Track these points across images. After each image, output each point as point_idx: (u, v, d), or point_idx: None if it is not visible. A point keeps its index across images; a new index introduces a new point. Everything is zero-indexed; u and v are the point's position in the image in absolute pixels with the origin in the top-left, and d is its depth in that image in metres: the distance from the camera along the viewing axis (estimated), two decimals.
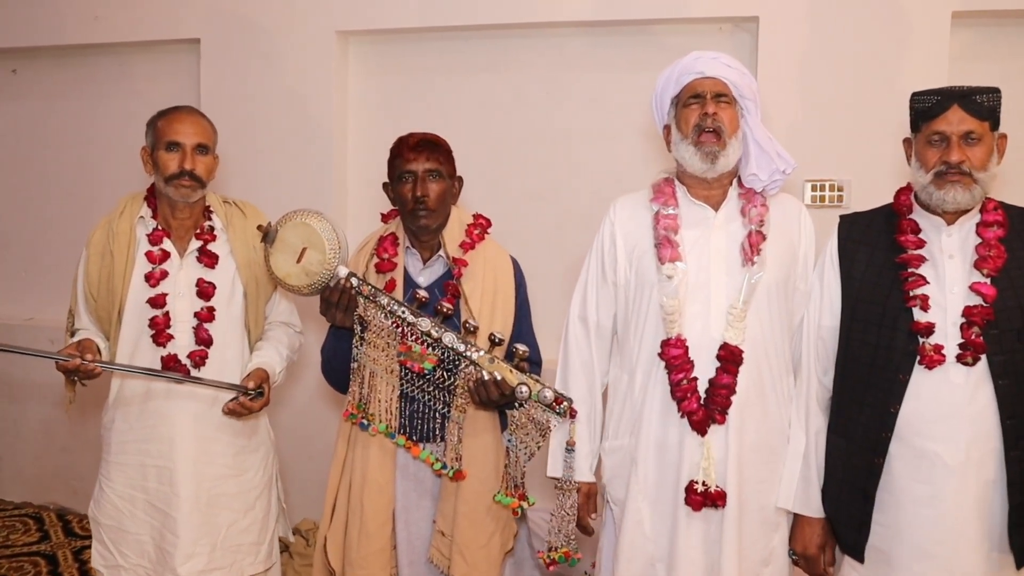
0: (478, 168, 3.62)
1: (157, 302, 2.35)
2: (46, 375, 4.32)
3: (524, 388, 2.11)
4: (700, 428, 2.13)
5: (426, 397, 2.26)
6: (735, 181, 2.28)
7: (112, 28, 4.02)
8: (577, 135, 3.68)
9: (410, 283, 2.38)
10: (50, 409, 4.39)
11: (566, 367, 2.35)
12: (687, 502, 2.13)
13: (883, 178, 3.07)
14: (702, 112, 2.18)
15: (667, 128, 2.31)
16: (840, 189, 3.30)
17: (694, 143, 2.18)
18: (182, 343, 2.37)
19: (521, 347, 2.14)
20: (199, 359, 2.36)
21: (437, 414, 2.27)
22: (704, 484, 2.12)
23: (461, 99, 3.78)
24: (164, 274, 2.37)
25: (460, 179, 2.45)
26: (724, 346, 2.14)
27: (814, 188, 3.32)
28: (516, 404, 2.15)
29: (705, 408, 2.13)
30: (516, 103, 3.73)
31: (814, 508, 2.17)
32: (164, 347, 2.35)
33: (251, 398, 2.34)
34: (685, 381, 2.14)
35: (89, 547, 3.92)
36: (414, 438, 2.29)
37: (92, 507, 2.45)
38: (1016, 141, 3.26)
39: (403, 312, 2.20)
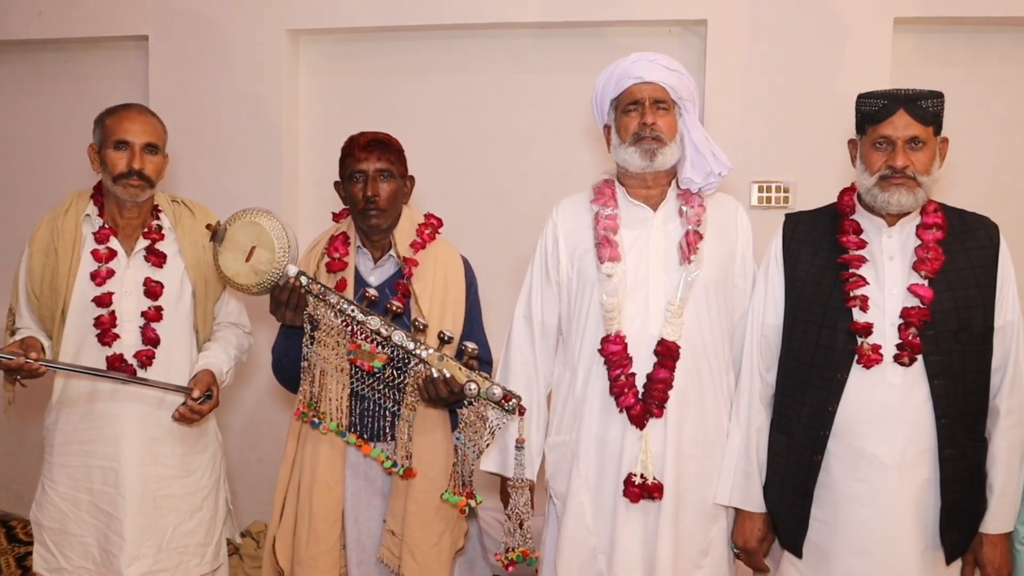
0: (429, 168, 3.61)
1: (103, 301, 2.32)
2: None
3: (473, 385, 2.12)
4: (638, 422, 2.18)
5: (376, 395, 2.27)
6: (673, 182, 2.33)
7: (57, 23, 3.96)
8: (528, 135, 3.72)
9: (361, 282, 2.38)
10: None
11: (507, 366, 2.40)
12: (625, 494, 2.18)
13: (829, 179, 3.13)
14: (640, 122, 2.23)
15: (607, 128, 2.37)
16: (786, 190, 3.37)
17: (633, 144, 2.24)
18: (128, 343, 2.34)
19: (470, 345, 2.16)
20: (146, 359, 2.34)
21: (387, 412, 2.28)
22: (642, 477, 2.17)
23: (412, 99, 3.79)
24: (110, 273, 2.35)
25: (412, 179, 2.46)
26: (661, 342, 2.20)
27: (761, 189, 3.39)
28: (465, 402, 2.16)
29: (643, 403, 2.19)
30: (467, 103, 3.76)
31: (755, 503, 2.22)
32: (110, 347, 2.32)
33: (200, 402, 2.33)
34: (623, 376, 2.19)
35: (32, 553, 3.86)
36: (365, 436, 2.30)
37: (34, 509, 2.42)
38: (956, 143, 3.38)
39: (353, 311, 2.21)
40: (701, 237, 2.25)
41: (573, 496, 2.27)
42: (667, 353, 2.19)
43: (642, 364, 2.21)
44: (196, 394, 2.32)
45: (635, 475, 2.18)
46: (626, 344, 2.21)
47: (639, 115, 2.24)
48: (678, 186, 2.33)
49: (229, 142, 3.80)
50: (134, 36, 3.91)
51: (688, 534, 2.23)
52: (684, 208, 2.29)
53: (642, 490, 2.17)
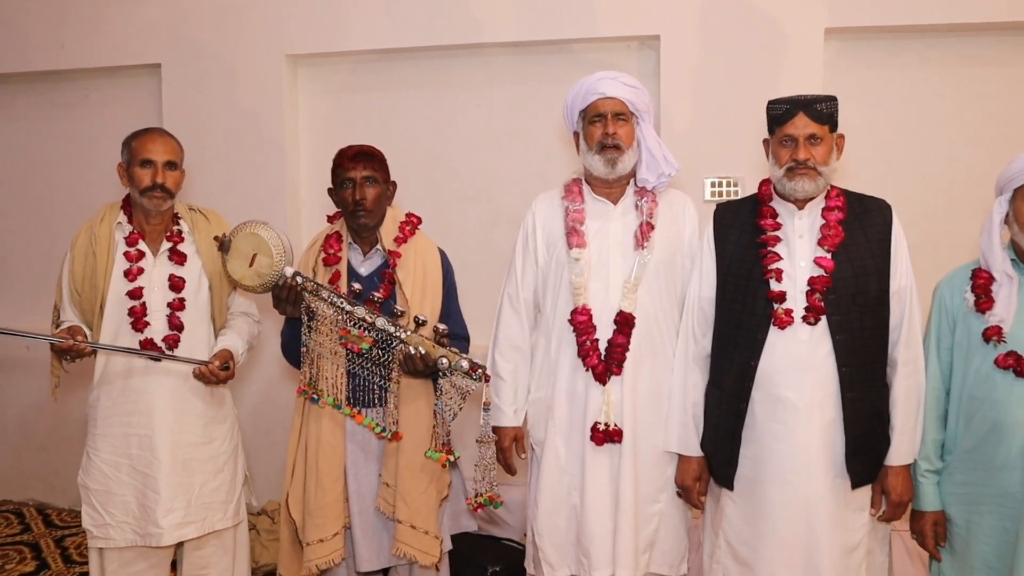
0: (418, 174, 3.97)
1: (135, 294, 2.66)
2: (23, 377, 4.58)
3: (444, 359, 2.50)
4: (601, 379, 2.57)
5: (365, 372, 2.63)
6: (632, 180, 2.71)
7: (77, 55, 4.28)
8: (506, 142, 4.02)
9: (353, 273, 2.74)
10: (27, 410, 4.62)
11: (497, 340, 2.76)
12: (592, 439, 2.57)
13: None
14: (604, 132, 2.61)
15: (576, 135, 2.74)
16: (735, 184, 3.68)
17: (598, 153, 2.61)
18: (157, 329, 2.67)
19: (441, 326, 2.54)
20: (172, 342, 2.67)
21: (375, 386, 2.65)
22: (605, 424, 2.55)
23: (400, 113, 4.10)
24: (140, 271, 2.69)
25: (394, 183, 2.82)
26: (620, 313, 2.58)
27: (713, 184, 3.70)
28: (440, 373, 2.53)
29: (604, 363, 2.57)
30: (450, 115, 4.06)
31: (692, 448, 2.58)
32: (142, 332, 2.65)
33: (220, 370, 2.69)
34: (588, 342, 2.58)
35: (69, 536, 4.27)
36: (358, 407, 2.66)
37: (81, 475, 2.75)
38: (882, 135, 3.74)
39: (342, 303, 2.58)
40: (653, 227, 2.63)
41: (549, 442, 2.66)
42: (624, 322, 2.57)
43: (604, 331, 2.59)
44: (216, 363, 2.67)
45: (599, 423, 2.57)
46: (591, 315, 2.59)
47: (603, 126, 2.61)
48: (635, 184, 2.70)
49: (236, 157, 4.09)
50: (148, 64, 4.22)
51: (646, 473, 2.61)
52: (639, 203, 2.67)
53: (605, 435, 2.56)
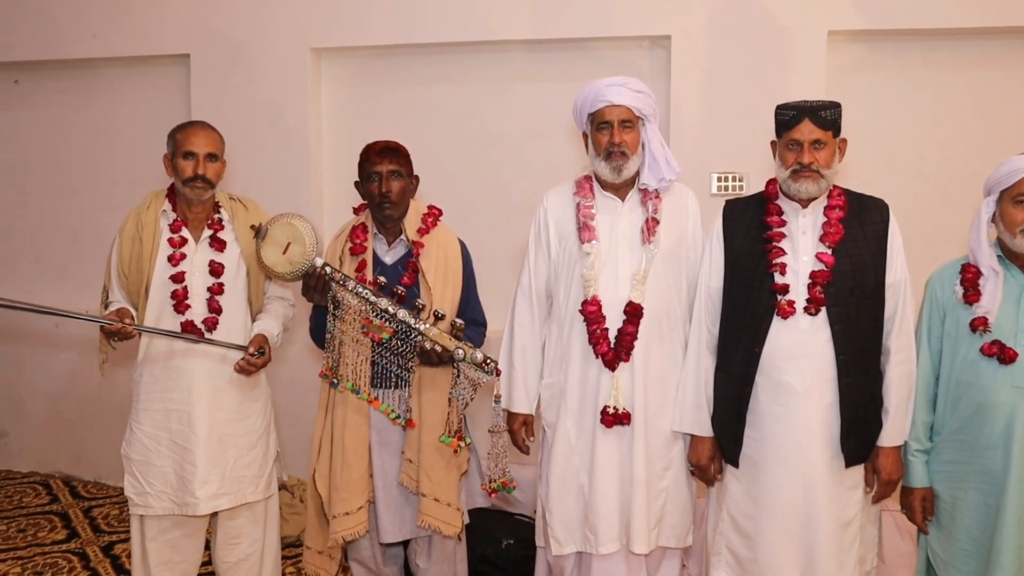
0: (438, 166, 4.10)
1: (177, 278, 2.81)
2: (51, 352, 4.74)
3: (459, 351, 2.67)
4: (611, 366, 2.73)
5: (384, 361, 2.79)
6: (638, 178, 2.85)
7: (109, 44, 4.41)
8: (522, 136, 4.15)
9: (378, 262, 2.90)
10: (54, 385, 4.78)
11: (511, 330, 2.92)
12: (602, 422, 2.73)
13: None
14: (610, 140, 2.74)
15: (585, 135, 2.88)
16: (741, 179, 3.83)
17: (605, 159, 2.76)
18: (197, 311, 2.82)
19: (458, 321, 2.71)
20: (211, 324, 2.82)
21: (392, 375, 2.81)
22: (615, 408, 2.72)
23: (422, 107, 4.22)
24: (183, 256, 2.83)
25: (417, 177, 2.97)
26: (629, 304, 2.73)
27: (719, 179, 3.85)
28: (454, 364, 2.69)
29: (614, 351, 2.73)
30: (469, 110, 4.19)
31: (705, 429, 2.74)
32: (183, 315, 2.80)
33: (255, 357, 2.84)
34: (599, 331, 2.74)
35: (96, 507, 4.45)
36: (378, 389, 2.82)
37: (124, 447, 2.91)
38: (884, 134, 3.90)
39: (366, 293, 2.73)
40: (658, 223, 2.78)
41: (561, 424, 2.83)
42: (634, 312, 2.73)
43: (613, 321, 2.74)
44: (251, 349, 2.82)
45: (609, 407, 2.73)
46: (601, 305, 2.75)
47: (609, 134, 2.75)
48: (640, 182, 2.84)
49: (261, 148, 4.20)
50: (177, 54, 4.34)
51: (654, 452, 2.77)
52: (646, 199, 2.81)
53: (614, 418, 2.72)
